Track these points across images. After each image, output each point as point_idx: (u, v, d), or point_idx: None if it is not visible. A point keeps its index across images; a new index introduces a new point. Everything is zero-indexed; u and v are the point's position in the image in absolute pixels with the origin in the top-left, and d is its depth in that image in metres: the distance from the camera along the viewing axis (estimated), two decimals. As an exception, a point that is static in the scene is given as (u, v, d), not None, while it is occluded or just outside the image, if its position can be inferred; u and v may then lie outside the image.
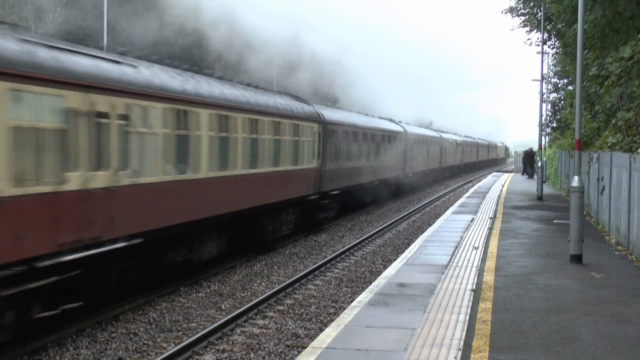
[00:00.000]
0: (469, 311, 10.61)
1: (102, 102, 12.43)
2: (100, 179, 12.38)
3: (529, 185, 42.24)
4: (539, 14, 35.56)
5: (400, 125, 42.53)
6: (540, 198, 32.29)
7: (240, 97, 18.68)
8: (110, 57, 13.58)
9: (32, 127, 10.66)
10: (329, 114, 27.61)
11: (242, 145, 18.39)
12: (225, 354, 11.80)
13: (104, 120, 12.50)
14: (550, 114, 56.85)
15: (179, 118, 15.19)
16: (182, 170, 15.43)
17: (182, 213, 15.32)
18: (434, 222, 24.64)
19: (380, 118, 39.26)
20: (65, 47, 12.14)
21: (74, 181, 11.60)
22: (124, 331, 12.86)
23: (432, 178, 54.63)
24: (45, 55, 11.24)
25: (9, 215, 10.22)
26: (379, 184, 35.27)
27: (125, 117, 13.17)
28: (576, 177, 15.26)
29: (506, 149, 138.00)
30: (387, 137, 37.42)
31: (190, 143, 15.66)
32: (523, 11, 39.56)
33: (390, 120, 41.94)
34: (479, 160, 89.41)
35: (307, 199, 24.39)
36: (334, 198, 27.55)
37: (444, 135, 61.15)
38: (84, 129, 11.90)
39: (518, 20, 40.62)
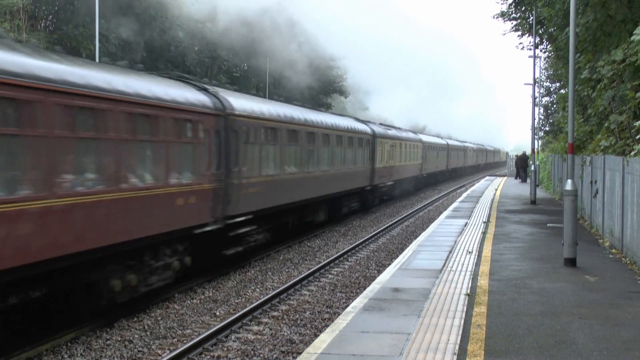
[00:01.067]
0: (463, 315, 10.62)
1: (391, 142, 40.34)
2: (391, 163, 39.84)
3: (522, 189, 42.31)
4: (531, 18, 35.62)
5: (445, 140, 71.96)
6: (533, 202, 32.34)
7: (402, 134, 46.17)
8: (388, 125, 45.85)
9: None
10: (424, 138, 56.25)
11: (401, 154, 43.47)
12: (220, 361, 11.78)
13: (395, 147, 41.38)
14: (542, 117, 57.00)
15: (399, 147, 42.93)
16: (406, 160, 45.24)
17: (391, 176, 40.80)
18: (427, 227, 24.65)
19: (434, 136, 68.58)
20: (393, 128, 46.09)
21: (389, 164, 39.51)
22: (119, 338, 12.83)
23: (460, 173, 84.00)
24: (391, 132, 42.42)
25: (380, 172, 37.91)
26: (438, 173, 65.11)
27: (393, 146, 40.41)
28: (569, 181, 15.29)
29: (507, 153, 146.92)
30: (440, 147, 64.98)
31: (399, 152, 42.59)
32: (515, 15, 39.58)
33: (440, 137, 72.75)
34: (487, 162, 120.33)
35: (415, 177, 50.17)
36: (426, 178, 56.50)
37: (466, 144, 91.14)
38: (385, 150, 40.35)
39: (510, 24, 40.67)
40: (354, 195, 32.71)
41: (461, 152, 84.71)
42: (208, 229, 16.78)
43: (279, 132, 21.87)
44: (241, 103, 19.11)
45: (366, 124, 36.32)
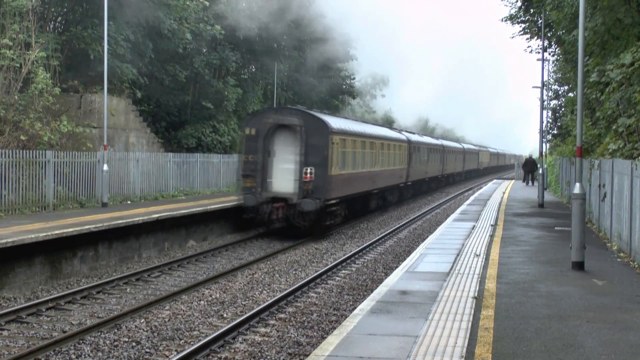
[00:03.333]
0: (471, 318, 10.60)
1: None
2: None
3: (530, 193, 42.22)
4: (539, 21, 35.55)
5: (495, 150, 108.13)
6: (541, 205, 32.25)
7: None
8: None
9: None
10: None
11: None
12: (228, 362, 11.79)
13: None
14: (550, 120, 56.85)
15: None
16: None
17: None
18: (435, 230, 24.61)
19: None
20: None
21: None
22: (126, 339, 12.86)
23: (497, 169, 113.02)
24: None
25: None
26: (491, 167, 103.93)
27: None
28: (578, 184, 15.24)
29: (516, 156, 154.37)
30: (495, 154, 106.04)
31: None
32: (523, 19, 39.49)
33: (494, 148, 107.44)
34: (508, 163, 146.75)
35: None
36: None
37: (498, 150, 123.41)
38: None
39: (518, 27, 40.59)
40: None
41: (501, 156, 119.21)
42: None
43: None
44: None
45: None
